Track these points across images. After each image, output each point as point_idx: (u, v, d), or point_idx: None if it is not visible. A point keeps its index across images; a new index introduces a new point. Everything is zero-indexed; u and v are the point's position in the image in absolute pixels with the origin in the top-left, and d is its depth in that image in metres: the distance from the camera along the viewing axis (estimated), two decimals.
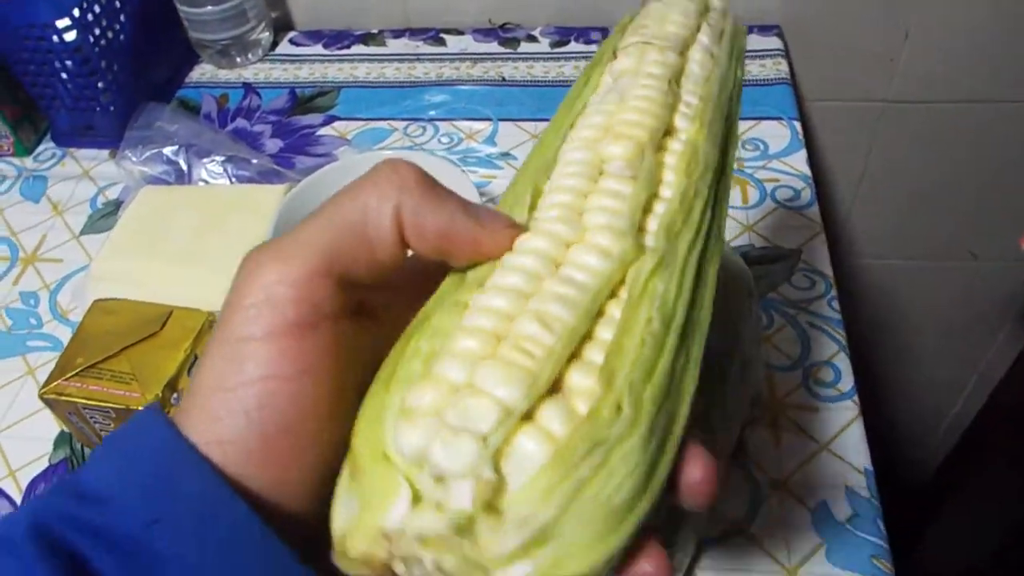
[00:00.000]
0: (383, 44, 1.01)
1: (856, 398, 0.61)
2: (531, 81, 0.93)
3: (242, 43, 0.97)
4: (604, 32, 0.98)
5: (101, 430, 0.57)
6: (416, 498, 0.22)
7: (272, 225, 0.62)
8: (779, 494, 0.56)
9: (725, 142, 0.32)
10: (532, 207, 0.28)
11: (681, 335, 0.25)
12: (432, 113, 0.90)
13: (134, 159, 0.81)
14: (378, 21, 1.03)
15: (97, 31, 0.84)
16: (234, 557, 0.23)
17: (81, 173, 0.88)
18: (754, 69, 0.91)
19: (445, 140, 0.87)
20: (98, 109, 0.88)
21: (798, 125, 0.84)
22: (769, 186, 0.78)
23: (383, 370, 0.25)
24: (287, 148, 0.88)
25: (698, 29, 0.35)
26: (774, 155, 0.81)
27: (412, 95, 0.93)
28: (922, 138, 1.00)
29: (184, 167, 0.80)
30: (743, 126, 0.84)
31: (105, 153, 0.90)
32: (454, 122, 0.89)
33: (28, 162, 0.90)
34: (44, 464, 0.62)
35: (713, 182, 0.30)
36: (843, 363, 0.64)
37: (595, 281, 0.25)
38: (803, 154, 0.82)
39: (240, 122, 0.92)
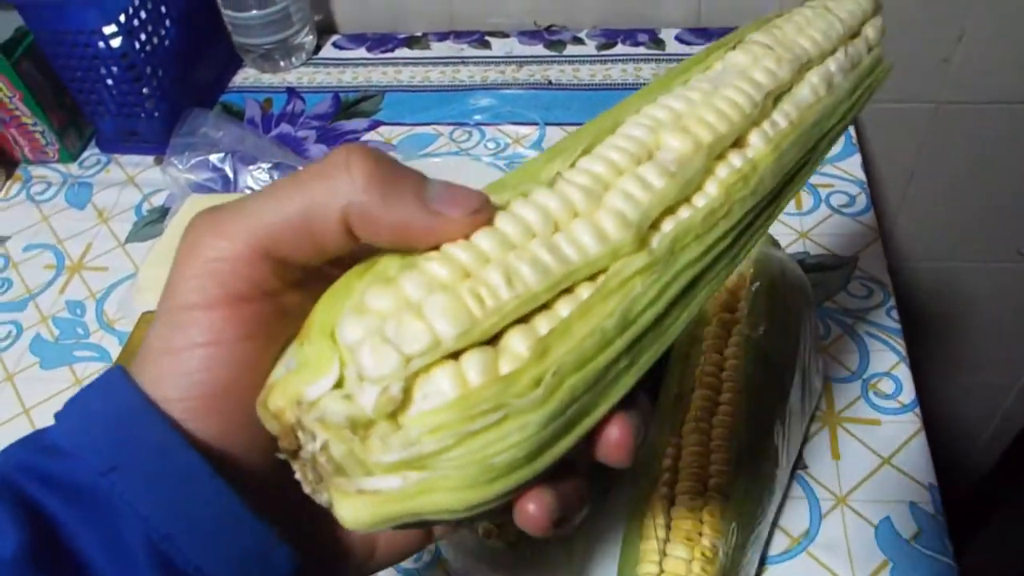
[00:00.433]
0: (427, 47, 1.00)
1: (918, 410, 0.60)
2: (578, 85, 0.92)
3: (286, 47, 0.97)
4: (651, 34, 0.96)
5: None
6: (339, 383, 0.23)
7: None
8: (840, 509, 0.55)
9: (793, 175, 0.30)
10: (573, 164, 0.28)
11: (634, 341, 0.25)
12: (477, 117, 0.89)
13: (180, 166, 0.80)
14: (422, 24, 1.03)
15: (143, 37, 0.84)
16: (187, 503, 0.24)
17: (126, 180, 0.88)
18: None
19: (491, 145, 0.86)
20: (143, 115, 0.88)
21: (852, 129, 0.83)
22: (824, 191, 0.77)
23: (373, 256, 0.26)
24: None
25: (832, 52, 0.33)
26: (828, 160, 0.80)
27: (457, 99, 0.92)
28: (972, 139, 0.99)
29: (230, 174, 0.80)
30: None
31: (150, 159, 0.90)
32: (500, 127, 0.88)
33: (73, 169, 0.90)
34: None
35: (754, 210, 0.29)
36: (903, 374, 0.63)
37: (579, 259, 0.25)
38: (857, 158, 0.80)
39: (284, 127, 0.91)
